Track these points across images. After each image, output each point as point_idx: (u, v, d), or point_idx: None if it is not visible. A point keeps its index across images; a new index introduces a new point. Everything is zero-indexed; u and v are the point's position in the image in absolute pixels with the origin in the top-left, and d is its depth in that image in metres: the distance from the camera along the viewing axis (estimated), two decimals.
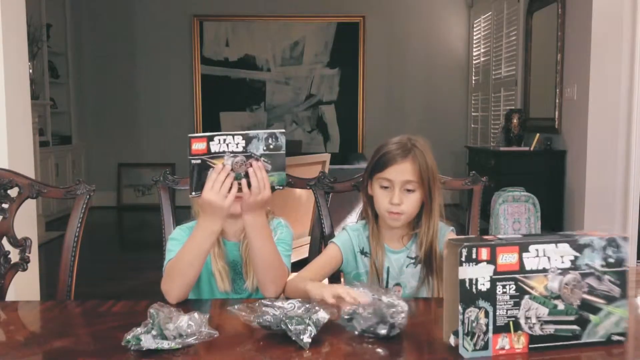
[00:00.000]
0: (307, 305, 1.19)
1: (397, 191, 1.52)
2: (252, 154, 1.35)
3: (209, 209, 1.38)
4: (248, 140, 1.34)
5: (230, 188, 1.36)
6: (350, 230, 1.63)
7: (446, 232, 1.61)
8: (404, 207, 1.52)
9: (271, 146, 1.35)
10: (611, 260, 1.15)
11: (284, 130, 1.38)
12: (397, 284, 1.59)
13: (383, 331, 1.18)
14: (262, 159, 1.35)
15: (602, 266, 1.14)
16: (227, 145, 1.34)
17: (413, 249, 1.60)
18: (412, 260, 1.59)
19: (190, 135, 1.34)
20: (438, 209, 1.57)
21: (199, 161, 1.33)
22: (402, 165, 1.52)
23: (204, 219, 1.42)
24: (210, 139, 1.33)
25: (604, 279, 1.14)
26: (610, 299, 1.15)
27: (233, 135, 1.34)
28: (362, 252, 1.61)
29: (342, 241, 1.61)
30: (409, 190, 1.53)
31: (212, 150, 1.33)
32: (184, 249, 1.46)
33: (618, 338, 1.16)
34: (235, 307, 1.22)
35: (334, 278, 1.70)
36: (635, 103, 3.83)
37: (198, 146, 1.33)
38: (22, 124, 2.79)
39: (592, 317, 1.14)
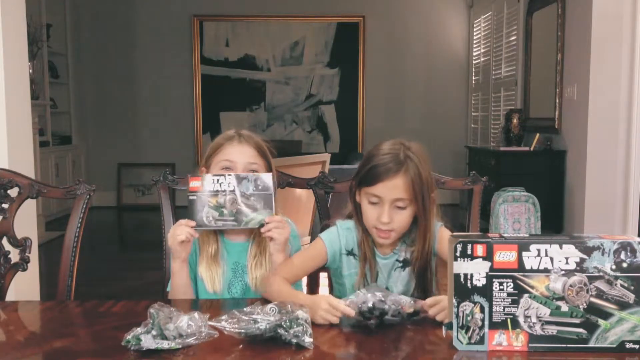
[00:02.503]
0: (285, 308, 1.19)
1: (387, 208, 1.41)
2: (243, 193, 1.48)
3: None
4: (239, 180, 1.49)
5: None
6: (341, 227, 1.55)
7: (436, 229, 1.54)
8: (393, 224, 1.43)
9: (259, 187, 1.49)
10: (625, 265, 1.11)
11: (271, 174, 1.53)
12: (385, 288, 1.55)
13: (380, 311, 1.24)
14: (252, 198, 1.48)
15: (614, 270, 1.11)
16: (220, 184, 1.48)
17: (402, 253, 1.53)
18: (400, 264, 1.53)
19: (189, 175, 1.52)
20: (433, 222, 1.49)
21: (195, 197, 1.48)
22: (393, 182, 1.40)
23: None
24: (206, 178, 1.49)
25: (615, 283, 1.11)
26: (623, 305, 1.12)
27: (225, 175, 1.49)
28: (350, 253, 1.54)
29: (330, 239, 1.54)
30: (399, 207, 1.43)
31: (207, 189, 1.48)
32: (172, 282, 1.58)
33: (632, 346, 1.12)
34: (218, 320, 1.20)
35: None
36: (635, 103, 3.83)
37: (194, 184, 1.49)
38: (22, 124, 2.79)
39: (601, 321, 1.12)
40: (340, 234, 1.54)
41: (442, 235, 1.54)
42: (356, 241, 1.53)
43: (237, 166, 1.59)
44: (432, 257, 1.54)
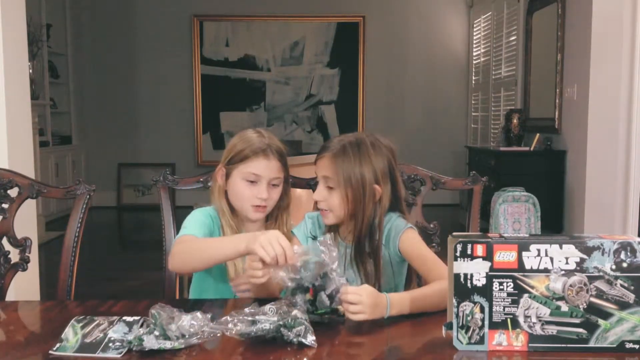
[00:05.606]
0: (284, 309, 1.19)
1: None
2: None
3: (253, 235, 1.33)
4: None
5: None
6: (308, 217, 1.65)
7: (402, 231, 1.52)
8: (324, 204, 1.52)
9: None
10: (625, 265, 1.11)
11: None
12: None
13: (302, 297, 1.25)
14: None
15: (614, 270, 1.11)
16: None
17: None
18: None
19: None
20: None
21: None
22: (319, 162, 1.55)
23: (241, 235, 1.49)
24: None
25: (615, 283, 1.11)
26: (623, 305, 1.11)
27: None
28: (315, 239, 1.58)
29: (301, 230, 1.63)
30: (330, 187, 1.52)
31: None
32: (206, 243, 1.48)
33: (632, 346, 1.12)
34: (219, 323, 1.19)
35: None
36: (635, 103, 3.83)
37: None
38: (22, 124, 2.80)
39: (601, 321, 1.12)
40: (307, 222, 1.64)
41: (409, 242, 1.51)
42: (319, 229, 1.61)
43: (262, 180, 1.63)
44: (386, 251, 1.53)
